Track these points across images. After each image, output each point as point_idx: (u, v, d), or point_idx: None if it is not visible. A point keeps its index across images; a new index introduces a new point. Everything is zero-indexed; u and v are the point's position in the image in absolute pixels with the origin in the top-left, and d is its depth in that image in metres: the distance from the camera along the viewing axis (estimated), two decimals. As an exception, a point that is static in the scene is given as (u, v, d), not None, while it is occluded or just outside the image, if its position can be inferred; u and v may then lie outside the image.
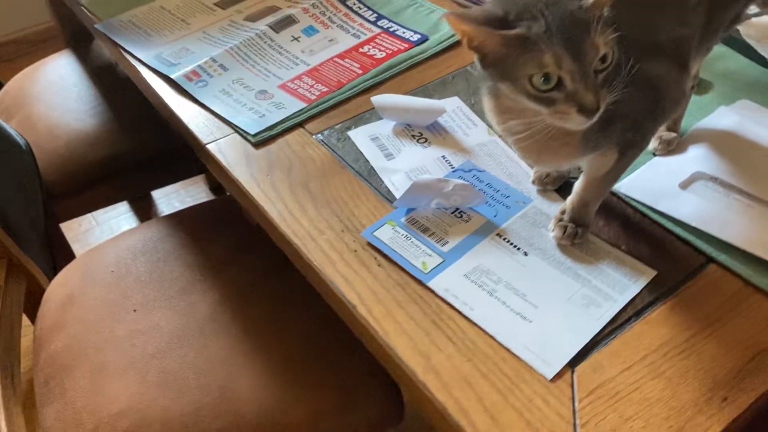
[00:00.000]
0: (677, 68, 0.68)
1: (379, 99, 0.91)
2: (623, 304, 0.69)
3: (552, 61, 0.58)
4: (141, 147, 1.35)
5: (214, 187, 2.09)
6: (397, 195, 0.81)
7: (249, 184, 0.85)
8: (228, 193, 1.16)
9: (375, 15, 1.12)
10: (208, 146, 0.91)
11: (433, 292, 0.71)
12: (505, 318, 0.68)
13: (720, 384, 0.62)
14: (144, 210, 2.09)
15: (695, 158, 0.82)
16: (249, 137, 0.91)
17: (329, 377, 0.90)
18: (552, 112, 0.60)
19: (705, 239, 0.73)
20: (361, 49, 1.05)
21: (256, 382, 0.89)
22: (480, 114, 0.92)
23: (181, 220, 1.19)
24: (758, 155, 0.83)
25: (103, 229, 2.04)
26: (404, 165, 0.85)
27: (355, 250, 0.76)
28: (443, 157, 0.86)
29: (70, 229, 2.04)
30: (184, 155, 1.33)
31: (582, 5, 0.58)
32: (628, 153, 0.70)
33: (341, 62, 1.03)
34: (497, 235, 0.76)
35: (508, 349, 0.65)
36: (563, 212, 0.75)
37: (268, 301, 0.99)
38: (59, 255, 1.36)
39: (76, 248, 1.49)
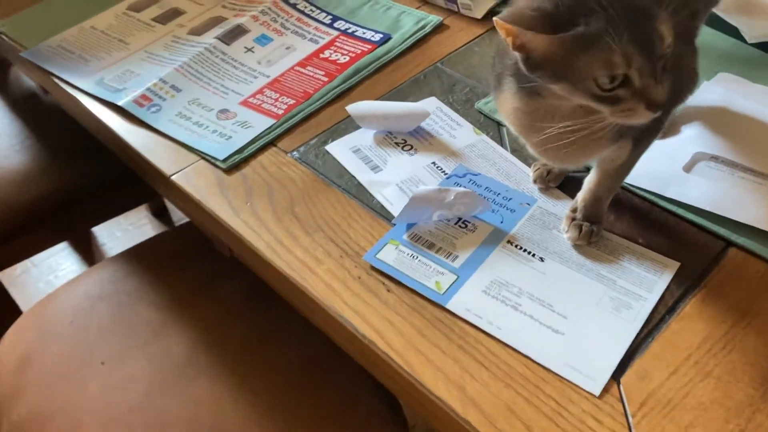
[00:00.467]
0: (693, 46, 0.65)
1: (355, 108, 0.85)
2: (654, 302, 0.65)
3: (622, 61, 0.52)
4: (80, 180, 1.23)
5: (157, 212, 1.97)
6: (392, 210, 0.75)
7: (228, 215, 0.77)
8: (189, 220, 1.07)
9: (329, 17, 1.05)
10: (173, 178, 0.82)
11: (453, 314, 0.65)
12: (536, 334, 0.63)
13: (771, 376, 0.59)
14: (83, 244, 1.95)
15: (691, 138, 0.80)
16: (218, 163, 0.83)
17: (329, 410, 0.84)
18: (616, 110, 0.55)
19: (720, 223, 0.71)
20: (321, 55, 0.98)
21: (248, 420, 0.82)
22: (462, 113, 0.87)
23: (140, 255, 1.09)
24: (752, 128, 0.81)
25: (42, 270, 1.89)
26: (394, 176, 0.79)
27: (359, 277, 0.69)
28: (433, 163, 0.80)
29: (3, 273, 1.89)
30: (127, 183, 1.22)
31: None
32: (643, 141, 0.66)
33: (303, 71, 0.95)
34: (508, 242, 0.71)
35: (546, 368, 0.61)
36: (575, 210, 0.71)
37: (250, 334, 0.92)
38: (1, 310, 1.24)
39: (15, 294, 1.36)
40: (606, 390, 0.59)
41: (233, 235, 0.75)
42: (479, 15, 1.03)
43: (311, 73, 0.95)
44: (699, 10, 0.66)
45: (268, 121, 0.87)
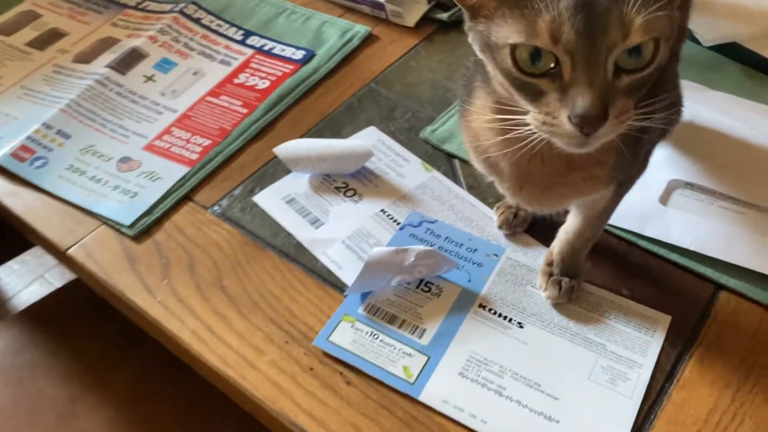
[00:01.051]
0: (675, 65, 0.57)
1: (284, 149, 0.72)
2: (651, 369, 0.57)
3: (545, 29, 0.39)
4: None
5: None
6: (340, 275, 0.64)
7: (142, 298, 0.63)
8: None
9: (241, 32, 0.91)
10: (69, 252, 0.67)
11: (428, 407, 0.55)
12: (527, 424, 0.54)
13: (790, 451, 0.52)
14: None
15: (661, 163, 0.72)
16: (124, 229, 0.69)
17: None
18: (537, 111, 0.43)
19: (707, 263, 0.64)
20: (236, 80, 0.85)
21: None
22: (407, 143, 0.77)
23: (40, 317, 0.93)
24: (722, 147, 0.75)
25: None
26: (338, 231, 0.68)
27: (311, 368, 0.58)
28: (382, 211, 0.70)
29: None
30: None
31: None
32: (628, 180, 0.57)
33: (217, 101, 0.82)
34: (480, 306, 0.61)
35: (544, 468, 0.52)
36: (550, 264, 0.62)
37: (175, 410, 0.79)
38: None
39: None
40: (615, 489, 0.51)
41: (150, 323, 0.62)
42: (411, 23, 0.92)
43: (226, 104, 0.81)
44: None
45: (181, 170, 0.74)
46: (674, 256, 0.65)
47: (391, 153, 0.75)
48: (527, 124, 0.44)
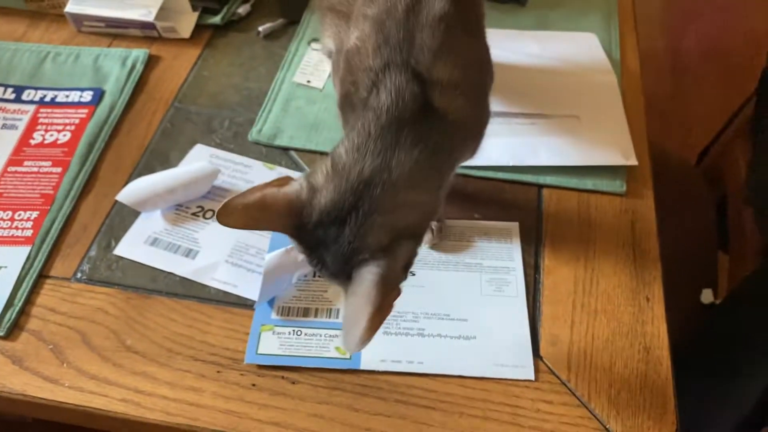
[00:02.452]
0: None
1: (128, 194, 0.71)
2: (522, 268, 0.69)
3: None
4: None
5: None
6: (237, 292, 0.67)
7: (46, 391, 0.60)
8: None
9: (11, 90, 0.84)
10: (-63, 380, 0.61)
11: (372, 371, 0.61)
12: (452, 350, 0.63)
13: (636, 289, 0.68)
14: None
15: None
16: (-11, 333, 0.63)
17: None
18: None
19: (524, 171, 0.77)
20: (32, 141, 0.79)
21: None
22: (240, 150, 0.79)
23: None
24: (501, 75, 0.88)
25: None
26: (217, 254, 0.69)
27: (253, 384, 0.61)
28: (249, 221, 0.72)
29: None
30: None
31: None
32: None
33: (22, 169, 0.76)
34: (372, 272, 0.68)
35: (481, 378, 0.61)
36: (415, 215, 0.71)
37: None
38: None
39: None
40: (537, 370, 0.62)
41: (72, 411, 0.59)
42: (186, 34, 0.92)
43: (35, 169, 0.76)
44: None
45: (21, 251, 0.69)
46: (500, 174, 0.77)
47: (229, 164, 0.77)
48: None
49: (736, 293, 1.04)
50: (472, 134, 0.61)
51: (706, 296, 1.14)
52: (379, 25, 0.56)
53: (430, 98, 0.54)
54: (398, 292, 0.49)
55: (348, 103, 0.57)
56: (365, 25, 0.57)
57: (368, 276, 0.47)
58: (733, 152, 1.25)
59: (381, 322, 0.46)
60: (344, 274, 0.49)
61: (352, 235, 0.48)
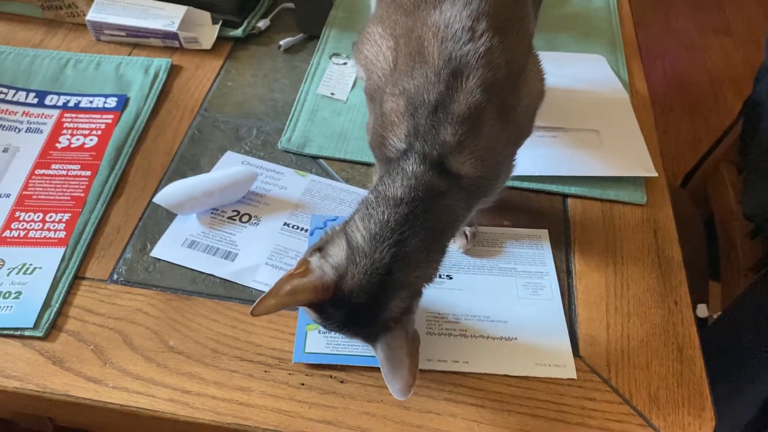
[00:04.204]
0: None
1: (165, 196, 0.71)
2: (554, 272, 0.71)
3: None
4: None
5: None
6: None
7: (90, 391, 0.59)
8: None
9: (33, 95, 0.83)
10: (-24, 380, 0.59)
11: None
12: (496, 350, 0.64)
13: (664, 293, 0.70)
14: None
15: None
16: (28, 332, 0.62)
17: None
18: None
19: (549, 181, 0.79)
20: (58, 145, 0.78)
21: None
22: (271, 158, 0.80)
23: None
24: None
25: None
26: (257, 256, 0.69)
27: (302, 383, 0.61)
28: (285, 224, 0.73)
29: None
30: None
31: None
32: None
33: (51, 172, 0.75)
34: (411, 275, 0.69)
35: (526, 377, 0.63)
36: (452, 221, 0.72)
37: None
38: None
39: None
40: (578, 369, 0.63)
41: (118, 411, 0.58)
42: (208, 46, 0.93)
43: (64, 172, 0.75)
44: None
45: (56, 252, 0.68)
46: (526, 184, 0.79)
47: (262, 170, 0.78)
48: None
49: (735, 306, 1.07)
50: (490, 194, 0.63)
51: (701, 311, 1.18)
52: (412, 110, 0.56)
53: (450, 187, 0.56)
54: (419, 340, 0.55)
55: (377, 147, 0.60)
56: (399, 101, 0.57)
57: (399, 333, 0.54)
58: (719, 175, 1.31)
59: (417, 367, 0.53)
60: (373, 335, 0.55)
61: (378, 308, 0.53)
